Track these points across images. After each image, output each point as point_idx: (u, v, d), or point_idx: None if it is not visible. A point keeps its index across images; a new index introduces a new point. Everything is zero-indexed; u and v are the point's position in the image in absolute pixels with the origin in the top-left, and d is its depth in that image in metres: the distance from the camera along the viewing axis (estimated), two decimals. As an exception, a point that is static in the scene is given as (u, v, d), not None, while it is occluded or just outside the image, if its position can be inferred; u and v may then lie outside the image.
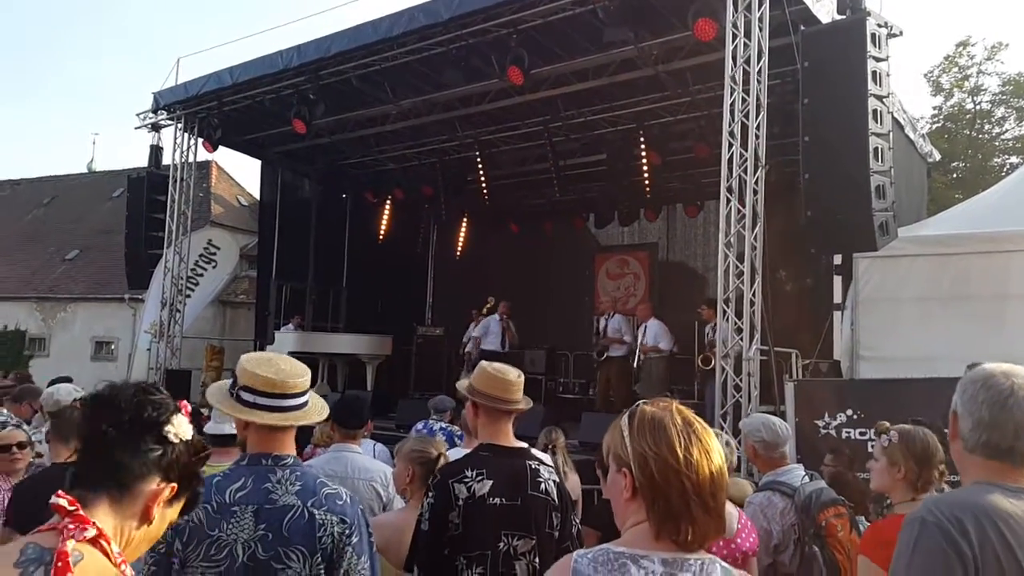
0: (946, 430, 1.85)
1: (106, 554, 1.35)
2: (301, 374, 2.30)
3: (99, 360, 19.52)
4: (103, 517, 1.39)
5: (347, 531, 2.16)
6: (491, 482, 2.70)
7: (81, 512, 1.35)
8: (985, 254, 7.58)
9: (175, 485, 1.48)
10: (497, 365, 2.99)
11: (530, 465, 2.81)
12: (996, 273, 7.48)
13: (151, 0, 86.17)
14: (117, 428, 1.43)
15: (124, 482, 1.42)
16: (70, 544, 1.30)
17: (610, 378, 11.21)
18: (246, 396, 2.25)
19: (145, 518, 1.45)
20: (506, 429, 2.91)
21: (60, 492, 1.35)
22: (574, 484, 4.87)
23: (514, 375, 2.94)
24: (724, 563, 1.54)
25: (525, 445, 3.60)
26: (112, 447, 1.42)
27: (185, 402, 1.57)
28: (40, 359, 20.07)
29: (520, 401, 2.94)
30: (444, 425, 6.37)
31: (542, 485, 2.76)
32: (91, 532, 1.34)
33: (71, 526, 1.32)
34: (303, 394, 2.29)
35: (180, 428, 1.50)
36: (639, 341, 10.68)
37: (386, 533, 2.97)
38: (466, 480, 2.70)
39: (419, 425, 6.44)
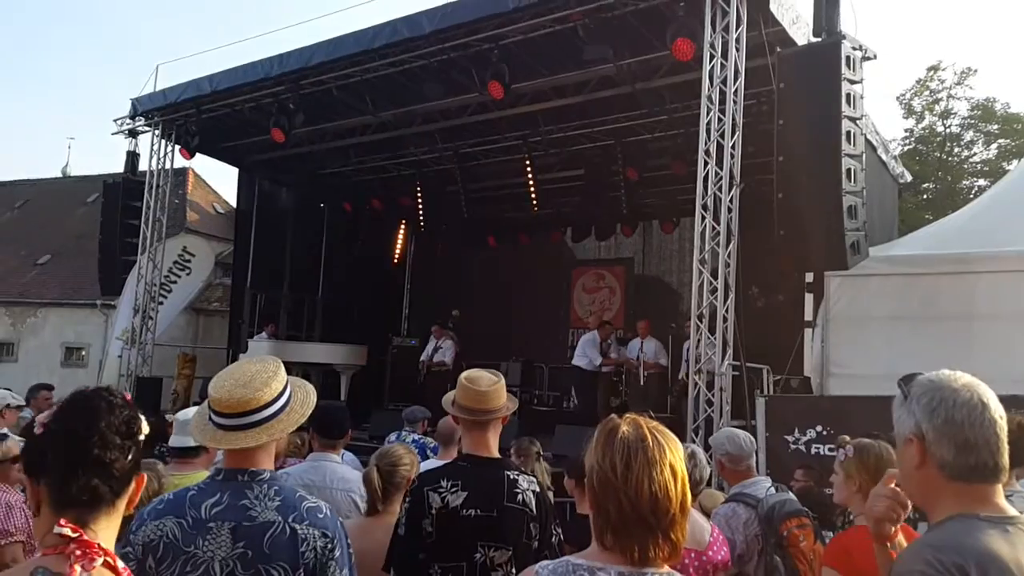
0: None
1: (112, 568, 1.43)
2: (266, 381, 2.20)
3: (69, 366, 19.23)
4: (103, 531, 1.45)
5: (329, 545, 2.12)
6: (465, 494, 2.70)
7: (85, 538, 1.40)
8: (954, 275, 7.72)
9: (143, 473, 1.57)
10: (472, 375, 2.98)
11: (508, 476, 2.80)
12: (964, 294, 7.62)
13: (131, 5, 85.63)
14: (110, 446, 1.46)
15: (119, 492, 1.48)
16: (78, 571, 1.36)
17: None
18: (216, 419, 2.19)
19: (128, 509, 1.54)
20: (484, 439, 2.89)
21: (62, 521, 1.39)
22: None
23: (486, 384, 2.93)
24: None
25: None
26: (109, 464, 1.46)
27: (127, 393, 1.62)
28: (8, 364, 19.74)
29: (497, 410, 2.91)
30: (417, 437, 6.36)
31: (519, 496, 2.76)
32: (99, 562, 1.40)
33: (77, 552, 1.37)
34: (274, 401, 2.20)
35: (144, 427, 1.56)
36: (640, 357, 11.00)
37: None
38: (440, 490, 2.71)
39: (392, 436, 6.44)
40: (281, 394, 2.23)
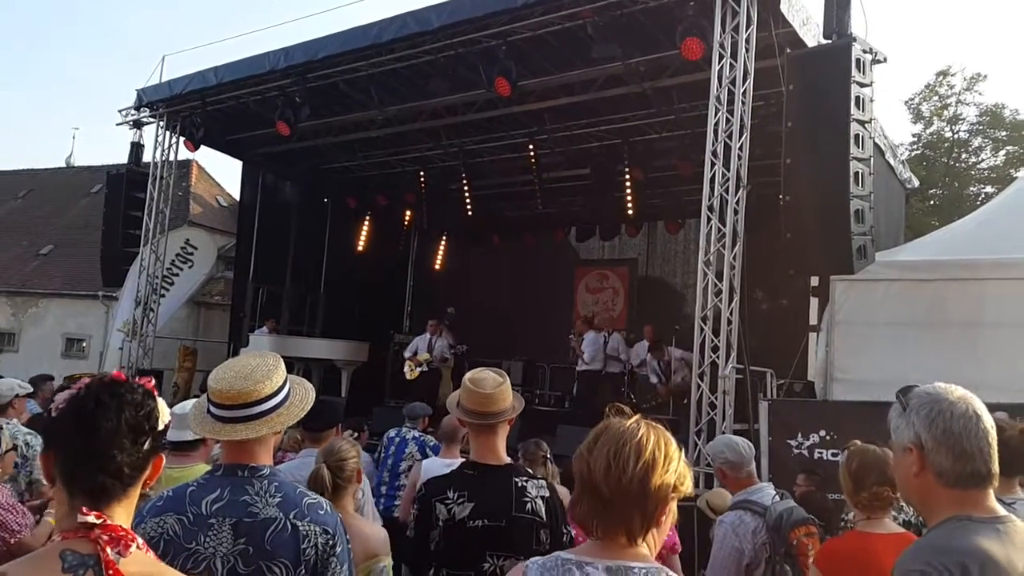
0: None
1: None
2: (267, 374, 2.20)
3: (70, 357, 19.21)
4: (118, 515, 1.45)
5: (331, 541, 2.12)
6: (472, 504, 2.66)
7: (109, 523, 1.41)
8: (960, 281, 7.67)
9: (161, 455, 1.56)
10: (476, 377, 2.89)
11: (516, 483, 2.74)
12: (971, 301, 7.57)
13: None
14: (116, 448, 1.44)
15: (130, 484, 1.48)
16: (110, 552, 1.38)
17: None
18: (215, 411, 2.17)
19: (144, 488, 1.54)
20: (492, 443, 2.82)
21: (84, 509, 1.39)
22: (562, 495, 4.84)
23: (491, 385, 2.84)
24: (671, 572, 1.60)
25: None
26: (116, 464, 1.44)
27: (149, 380, 1.60)
28: (8, 354, 19.73)
29: (503, 412, 2.83)
30: (417, 434, 6.27)
31: (528, 504, 2.70)
32: (134, 547, 1.42)
33: (105, 538, 1.39)
34: (274, 395, 2.19)
35: (163, 415, 1.55)
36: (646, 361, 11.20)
37: None
38: (447, 502, 2.67)
39: (391, 433, 6.34)
40: (281, 388, 2.23)
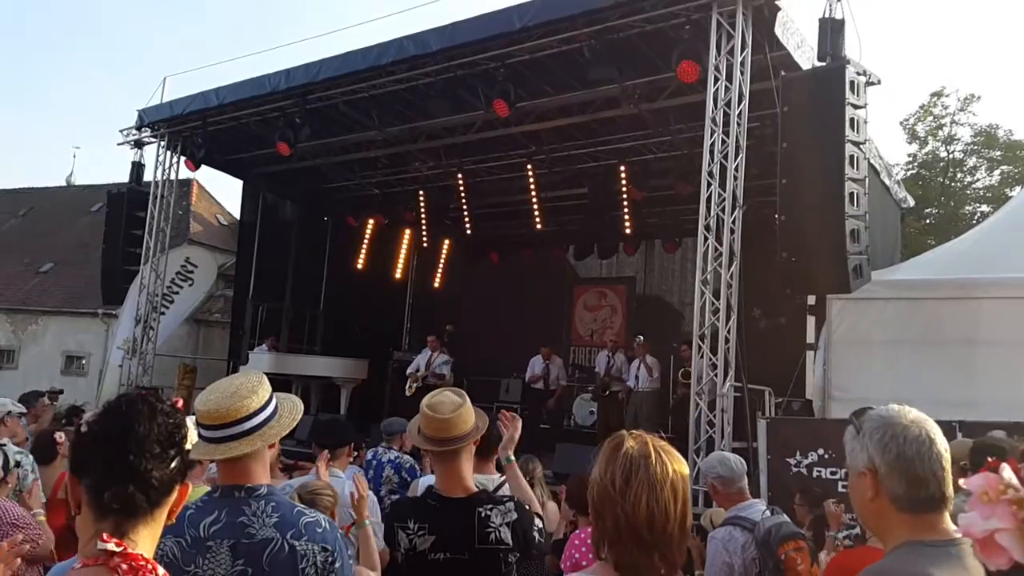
0: None
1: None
2: (249, 392, 2.20)
3: (69, 375, 19.19)
4: (143, 541, 1.42)
5: (330, 558, 2.11)
6: (433, 537, 2.59)
7: (130, 551, 1.37)
8: (956, 300, 7.73)
9: (188, 482, 1.54)
10: (433, 401, 2.77)
11: (480, 514, 2.62)
12: (966, 319, 7.63)
13: (140, 16, 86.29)
14: (147, 454, 1.43)
15: (157, 502, 1.45)
16: None
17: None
18: (205, 434, 2.17)
19: (169, 519, 1.51)
20: (455, 470, 2.71)
21: (104, 536, 1.35)
22: (552, 512, 4.86)
23: (448, 409, 2.71)
24: None
25: (489, 482, 3.48)
26: (145, 473, 1.42)
27: (178, 399, 1.58)
28: (8, 371, 19.73)
29: (465, 435, 2.72)
30: (394, 456, 5.82)
31: (492, 535, 2.60)
32: None
33: (124, 567, 1.34)
34: (261, 410, 2.20)
35: (191, 434, 1.54)
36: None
37: None
38: (408, 531, 2.61)
39: (368, 455, 5.91)
40: (267, 403, 2.24)
